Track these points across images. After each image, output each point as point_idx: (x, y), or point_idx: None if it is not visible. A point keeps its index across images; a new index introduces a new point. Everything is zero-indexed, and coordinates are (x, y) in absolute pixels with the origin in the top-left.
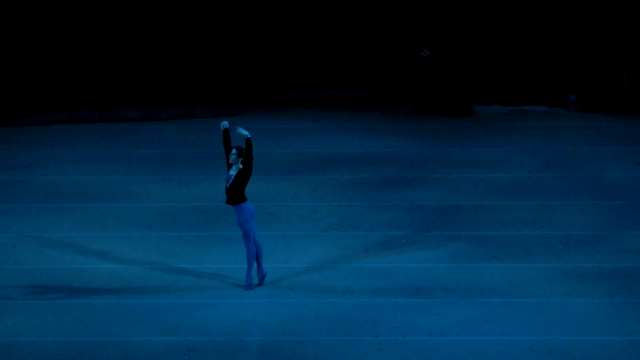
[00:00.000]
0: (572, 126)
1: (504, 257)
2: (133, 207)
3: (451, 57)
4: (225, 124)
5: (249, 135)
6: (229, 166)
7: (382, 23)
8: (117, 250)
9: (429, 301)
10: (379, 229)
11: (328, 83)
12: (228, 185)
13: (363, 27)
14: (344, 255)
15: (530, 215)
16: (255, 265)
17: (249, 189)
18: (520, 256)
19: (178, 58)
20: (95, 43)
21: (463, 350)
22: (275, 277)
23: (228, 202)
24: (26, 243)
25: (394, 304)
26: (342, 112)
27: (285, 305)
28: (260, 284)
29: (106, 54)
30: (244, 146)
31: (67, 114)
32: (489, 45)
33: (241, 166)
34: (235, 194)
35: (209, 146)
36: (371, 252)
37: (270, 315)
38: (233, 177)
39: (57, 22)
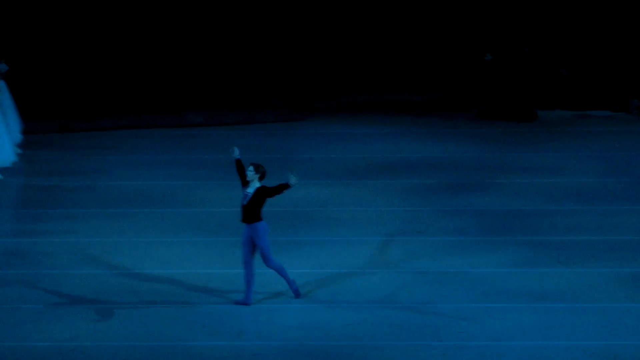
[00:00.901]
0: (636, 131)
1: (568, 262)
2: (196, 213)
3: (514, 62)
4: (235, 152)
5: (296, 184)
6: (245, 183)
7: (446, 28)
8: (181, 256)
9: (494, 306)
10: (443, 233)
11: (391, 88)
12: (245, 203)
13: (427, 32)
14: (408, 261)
15: (593, 220)
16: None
17: (307, 194)
18: (584, 261)
19: (241, 63)
20: (159, 49)
21: (528, 356)
22: (339, 282)
23: (244, 220)
24: (90, 248)
25: (459, 308)
26: (405, 117)
27: (348, 310)
28: (298, 295)
29: (170, 60)
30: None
31: (131, 119)
32: (552, 50)
33: (258, 184)
34: (252, 213)
35: (272, 151)
36: (435, 257)
37: (334, 320)
38: (250, 195)
39: (121, 28)
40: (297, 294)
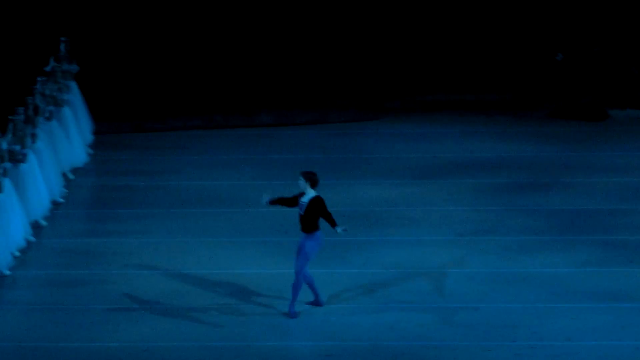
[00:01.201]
0: None
1: None
2: (268, 212)
3: (585, 61)
4: (264, 199)
5: (341, 233)
6: (300, 194)
7: (516, 27)
8: (252, 256)
9: (566, 306)
10: (514, 233)
11: (465, 87)
12: (302, 213)
13: (497, 30)
14: (480, 260)
15: None
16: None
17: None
18: None
19: (314, 63)
20: (231, 49)
21: (600, 356)
22: (411, 282)
23: (303, 230)
24: (160, 249)
25: (531, 308)
26: (478, 117)
27: (421, 311)
28: (292, 315)
29: (242, 59)
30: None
31: (202, 119)
32: (623, 49)
33: (313, 193)
34: (310, 223)
35: (344, 151)
36: (507, 257)
37: (407, 320)
38: (306, 205)
39: (192, 28)
40: (293, 315)
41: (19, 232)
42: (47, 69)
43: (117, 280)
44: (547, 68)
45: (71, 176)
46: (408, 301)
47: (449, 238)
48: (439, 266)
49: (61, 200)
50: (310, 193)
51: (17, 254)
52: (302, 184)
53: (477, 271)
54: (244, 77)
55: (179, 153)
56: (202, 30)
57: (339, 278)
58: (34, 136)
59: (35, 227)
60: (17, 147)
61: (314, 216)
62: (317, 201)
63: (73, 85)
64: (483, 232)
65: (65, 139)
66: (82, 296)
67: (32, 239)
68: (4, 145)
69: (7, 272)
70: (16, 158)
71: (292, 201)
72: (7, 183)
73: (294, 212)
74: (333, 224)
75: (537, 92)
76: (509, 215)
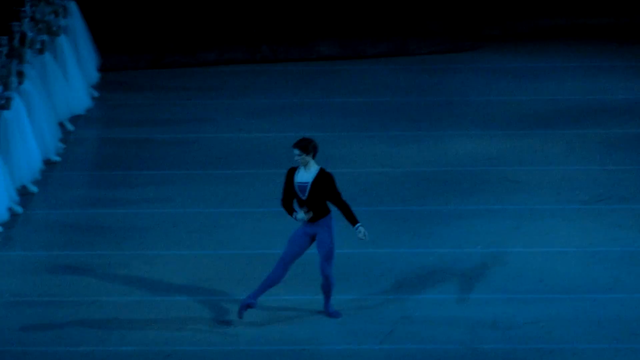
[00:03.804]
0: None
1: None
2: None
3: None
4: (302, 216)
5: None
6: (291, 173)
7: None
8: None
9: None
10: None
11: (586, 8)
12: (305, 197)
13: None
14: (611, 236)
15: None
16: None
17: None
18: None
19: None
20: None
21: None
22: (518, 265)
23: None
24: (185, 222)
25: None
26: (604, 47)
27: (532, 303)
28: (334, 314)
29: None
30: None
31: (242, 51)
32: None
33: (316, 168)
34: (318, 207)
35: (429, 93)
36: None
37: (513, 315)
38: (309, 186)
39: None
40: (336, 315)
41: (1, 202)
42: None
43: (129, 264)
44: None
45: (70, 127)
46: (515, 291)
47: (570, 207)
48: (557, 244)
49: (56, 158)
50: (313, 168)
51: (0, 229)
52: (301, 157)
53: (608, 250)
54: None
55: (211, 96)
56: None
57: (423, 260)
58: (20, 75)
59: (23, 194)
60: None
61: (322, 198)
62: (325, 178)
63: (73, 6)
64: (616, 198)
65: (62, 78)
66: (83, 286)
67: (19, 209)
68: None
69: None
70: None
71: (290, 190)
72: None
73: (366, 175)
74: (354, 220)
75: None
76: None
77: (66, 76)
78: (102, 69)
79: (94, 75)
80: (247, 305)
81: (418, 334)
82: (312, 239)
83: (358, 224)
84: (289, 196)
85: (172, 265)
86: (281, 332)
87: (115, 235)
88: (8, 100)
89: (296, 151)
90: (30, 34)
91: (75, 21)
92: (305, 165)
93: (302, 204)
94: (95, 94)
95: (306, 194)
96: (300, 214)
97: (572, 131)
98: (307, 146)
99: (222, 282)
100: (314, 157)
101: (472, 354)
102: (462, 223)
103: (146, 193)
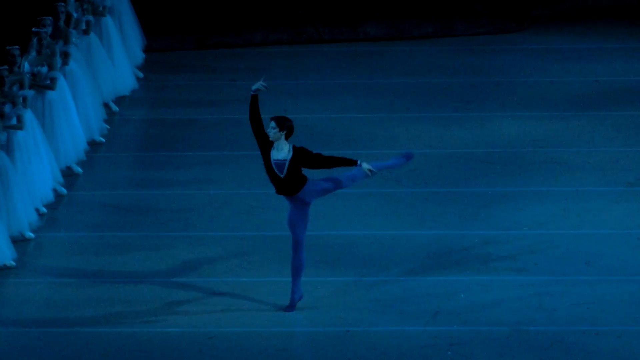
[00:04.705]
0: None
1: None
2: (377, 155)
3: None
4: (256, 86)
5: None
6: (269, 144)
7: None
8: (355, 212)
9: None
10: None
11: None
12: (283, 176)
13: None
14: None
15: None
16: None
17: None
18: None
19: None
20: None
21: None
22: (564, 246)
23: (287, 193)
24: (232, 203)
25: None
26: None
27: (579, 284)
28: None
29: None
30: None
31: (288, 32)
32: None
33: (287, 147)
34: (296, 181)
35: (476, 74)
36: None
37: (560, 296)
38: (287, 164)
39: None
40: (292, 307)
41: (45, 182)
42: None
43: (175, 245)
44: None
45: (114, 108)
46: (561, 272)
47: (616, 189)
48: (603, 226)
49: (101, 139)
50: (285, 147)
51: (44, 210)
52: (275, 132)
53: None
54: None
55: (259, 77)
56: None
57: (469, 241)
58: (66, 55)
59: (68, 175)
60: (44, 70)
61: (299, 170)
62: (300, 152)
63: None
64: None
65: (107, 59)
66: (128, 267)
67: (63, 190)
68: (26, 67)
69: (30, 235)
70: (42, 84)
71: (260, 128)
72: (29, 116)
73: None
74: (351, 162)
75: None
76: None
77: (111, 57)
78: (147, 49)
79: (139, 56)
80: (293, 306)
81: (463, 315)
82: (303, 205)
83: (359, 161)
84: (257, 118)
85: (217, 247)
86: (325, 314)
87: (160, 217)
88: (53, 80)
89: (272, 123)
90: (75, 15)
91: (121, 2)
92: (277, 140)
93: (278, 181)
94: (140, 74)
95: (284, 171)
96: (256, 85)
97: (618, 113)
98: (283, 123)
99: (267, 263)
100: (286, 138)
101: (518, 335)
102: (508, 205)
103: (191, 174)
